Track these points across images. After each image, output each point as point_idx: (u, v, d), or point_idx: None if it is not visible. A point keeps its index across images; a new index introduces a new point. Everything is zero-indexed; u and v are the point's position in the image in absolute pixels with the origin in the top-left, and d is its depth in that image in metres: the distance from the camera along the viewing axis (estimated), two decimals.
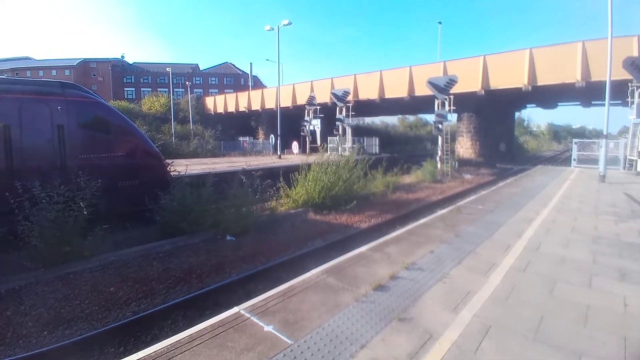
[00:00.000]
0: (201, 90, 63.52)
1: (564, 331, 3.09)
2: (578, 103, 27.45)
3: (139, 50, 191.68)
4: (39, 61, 66.36)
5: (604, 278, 4.24)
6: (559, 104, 28.98)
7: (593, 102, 25.84)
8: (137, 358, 2.78)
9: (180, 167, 10.76)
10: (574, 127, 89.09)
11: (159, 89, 59.78)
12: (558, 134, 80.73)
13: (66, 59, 63.47)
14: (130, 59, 72.93)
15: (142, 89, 64.66)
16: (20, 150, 7.53)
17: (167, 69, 49.46)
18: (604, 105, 13.75)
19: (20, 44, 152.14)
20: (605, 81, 13.26)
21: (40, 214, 6.08)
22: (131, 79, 66.72)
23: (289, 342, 2.95)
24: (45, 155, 7.88)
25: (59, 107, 8.01)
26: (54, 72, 58.22)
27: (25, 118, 7.62)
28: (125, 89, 64.88)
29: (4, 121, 7.34)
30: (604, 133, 13.81)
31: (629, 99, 15.44)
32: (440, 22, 36.81)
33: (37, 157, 7.80)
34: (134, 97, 61.37)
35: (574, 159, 19.73)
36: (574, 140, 21.27)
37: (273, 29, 26.13)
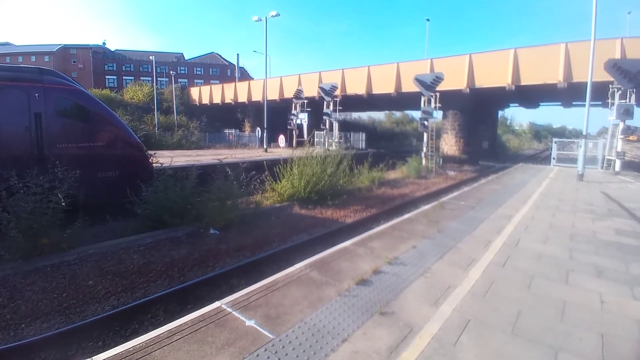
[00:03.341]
0: (186, 80, 62.16)
1: (541, 326, 3.16)
2: (559, 103, 28.07)
3: (121, 37, 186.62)
4: (18, 47, 63.81)
5: (581, 274, 4.36)
6: (540, 103, 29.58)
7: (574, 103, 26.48)
8: (116, 352, 2.73)
9: (164, 158, 10.56)
10: (554, 126, 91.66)
11: (141, 78, 58.05)
12: (539, 133, 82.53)
13: (46, 44, 61.22)
14: (112, 46, 70.89)
15: (124, 77, 62.81)
16: None
17: (151, 57, 47.93)
18: (584, 106, 14.11)
19: None
20: (587, 82, 13.56)
21: (17, 204, 5.88)
22: (113, 66, 64.66)
23: (271, 336, 2.94)
24: (22, 143, 7.61)
25: (36, 94, 7.74)
26: (33, 58, 56.09)
27: (1, 105, 7.35)
28: (107, 76, 62.82)
29: None
30: (584, 133, 14.21)
31: (609, 100, 15.90)
32: (428, 19, 36.65)
33: (12, 145, 7.53)
34: (116, 85, 59.61)
35: (554, 158, 20.27)
36: (554, 139, 21.88)
37: (261, 20, 25.77)
